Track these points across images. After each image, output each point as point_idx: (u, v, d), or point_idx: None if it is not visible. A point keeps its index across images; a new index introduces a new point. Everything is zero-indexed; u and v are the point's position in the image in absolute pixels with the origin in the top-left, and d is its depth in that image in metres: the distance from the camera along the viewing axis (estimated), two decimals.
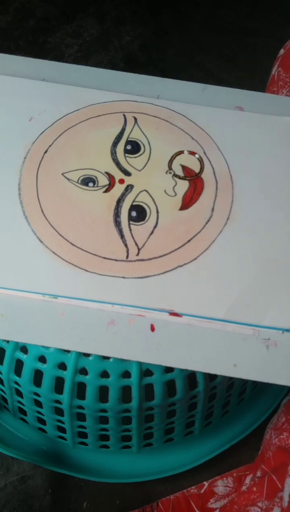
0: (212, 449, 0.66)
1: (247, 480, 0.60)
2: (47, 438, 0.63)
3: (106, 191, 0.53)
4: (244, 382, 0.60)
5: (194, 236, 0.50)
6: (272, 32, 0.98)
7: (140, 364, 0.48)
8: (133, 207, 0.52)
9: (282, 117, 0.58)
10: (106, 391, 0.51)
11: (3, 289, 0.47)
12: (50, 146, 0.55)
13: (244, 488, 0.59)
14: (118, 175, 0.54)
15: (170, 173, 0.54)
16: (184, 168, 0.54)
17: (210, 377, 0.53)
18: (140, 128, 0.57)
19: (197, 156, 0.55)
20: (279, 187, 0.54)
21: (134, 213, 0.51)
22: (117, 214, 0.51)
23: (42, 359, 0.49)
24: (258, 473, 0.58)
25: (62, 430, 0.59)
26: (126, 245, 0.50)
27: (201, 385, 0.53)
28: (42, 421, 0.59)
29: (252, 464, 0.61)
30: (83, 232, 0.50)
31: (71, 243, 0.50)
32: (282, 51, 0.70)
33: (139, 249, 0.49)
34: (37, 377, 0.51)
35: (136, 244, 0.50)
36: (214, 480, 0.63)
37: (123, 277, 0.48)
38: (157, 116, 0.58)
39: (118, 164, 0.54)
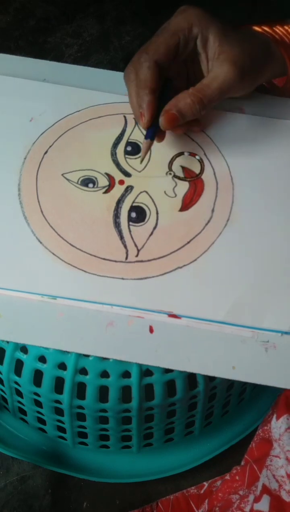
0: (212, 449, 0.67)
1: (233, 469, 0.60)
2: (47, 438, 0.64)
3: (106, 192, 0.53)
4: (244, 383, 0.61)
5: (194, 237, 0.50)
6: None
7: (140, 364, 0.49)
8: (132, 208, 0.52)
9: (282, 119, 0.58)
10: (106, 391, 0.51)
11: (2, 289, 0.47)
12: (50, 146, 0.56)
13: (227, 477, 0.59)
14: (118, 176, 0.54)
15: (170, 174, 0.54)
16: (184, 169, 0.54)
17: (210, 377, 0.53)
18: (140, 130, 0.57)
19: (197, 157, 0.55)
20: (280, 189, 0.54)
21: (133, 214, 0.51)
22: (116, 215, 0.51)
23: (42, 359, 0.49)
24: (242, 463, 0.59)
25: (62, 430, 0.59)
26: (125, 246, 0.50)
27: (201, 385, 0.53)
28: (42, 421, 0.59)
29: None
30: (83, 233, 0.50)
31: (70, 244, 0.50)
32: None
33: (138, 250, 0.49)
34: (37, 377, 0.51)
35: (136, 245, 0.50)
36: (214, 481, 0.64)
37: (122, 278, 0.48)
38: None
39: (118, 165, 0.55)
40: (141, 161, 0.53)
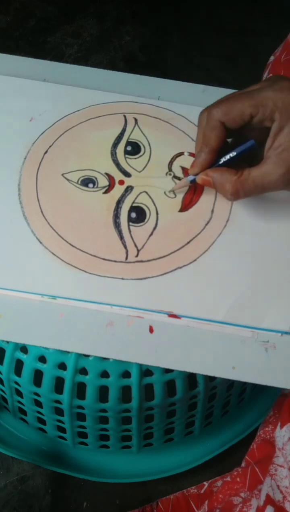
0: (212, 449, 0.67)
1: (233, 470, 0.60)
2: (47, 438, 0.64)
3: (106, 192, 0.53)
4: (244, 383, 0.61)
5: (194, 237, 0.50)
6: (272, 32, 0.98)
7: (140, 364, 0.49)
8: (132, 208, 0.52)
9: None
10: (106, 391, 0.51)
11: (2, 289, 0.47)
12: (50, 146, 0.56)
13: (228, 478, 0.59)
14: (118, 176, 0.54)
15: (170, 174, 0.54)
16: (184, 169, 0.54)
17: (210, 377, 0.53)
18: (140, 129, 0.57)
19: None
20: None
21: (133, 215, 0.51)
22: (116, 215, 0.51)
23: (42, 359, 0.49)
24: (243, 464, 0.59)
25: (62, 430, 0.59)
26: (125, 247, 0.50)
27: (201, 385, 0.53)
28: (42, 421, 0.59)
29: None
30: (83, 233, 0.50)
31: (70, 244, 0.50)
32: (272, 57, 0.69)
33: (138, 251, 0.50)
34: (37, 377, 0.51)
35: (135, 246, 0.50)
36: (214, 481, 0.64)
37: (122, 278, 0.48)
38: (157, 117, 0.58)
39: (118, 165, 0.55)
40: (172, 191, 0.53)
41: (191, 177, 0.50)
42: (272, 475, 0.50)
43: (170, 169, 0.54)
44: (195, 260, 0.49)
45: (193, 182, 0.51)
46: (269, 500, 0.49)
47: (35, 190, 0.53)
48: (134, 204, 0.52)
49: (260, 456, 0.56)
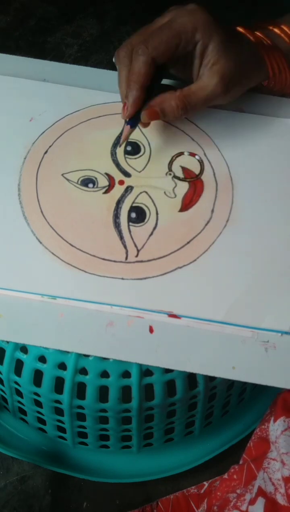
0: (212, 449, 0.67)
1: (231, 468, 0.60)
2: (47, 438, 0.64)
3: (105, 192, 0.53)
4: (244, 383, 0.61)
5: (194, 237, 0.50)
6: None
7: (140, 364, 0.49)
8: (132, 209, 0.52)
9: (282, 119, 0.58)
10: (106, 391, 0.51)
11: (2, 289, 0.47)
12: (50, 146, 0.56)
13: (225, 476, 0.59)
14: (118, 176, 0.54)
15: (170, 174, 0.54)
16: (184, 169, 0.54)
17: (210, 377, 0.53)
18: (140, 129, 0.57)
19: (197, 157, 0.55)
20: (279, 189, 0.54)
21: (133, 215, 0.51)
22: (116, 215, 0.51)
23: (42, 359, 0.49)
24: (240, 462, 0.59)
25: (62, 430, 0.59)
26: (125, 247, 0.50)
27: (201, 385, 0.53)
28: (42, 421, 0.59)
29: None
30: (82, 233, 0.50)
31: (70, 244, 0.50)
32: None
33: (138, 251, 0.50)
34: (37, 377, 0.51)
35: (135, 246, 0.50)
36: (214, 480, 0.64)
37: (122, 278, 0.48)
38: None
39: (118, 165, 0.55)
40: (120, 146, 0.54)
41: (131, 122, 0.51)
42: (265, 468, 0.50)
43: (170, 169, 0.54)
44: (195, 260, 0.49)
45: (133, 125, 0.52)
46: (260, 492, 0.49)
47: (35, 190, 0.53)
48: (134, 204, 0.52)
49: (256, 454, 0.56)
